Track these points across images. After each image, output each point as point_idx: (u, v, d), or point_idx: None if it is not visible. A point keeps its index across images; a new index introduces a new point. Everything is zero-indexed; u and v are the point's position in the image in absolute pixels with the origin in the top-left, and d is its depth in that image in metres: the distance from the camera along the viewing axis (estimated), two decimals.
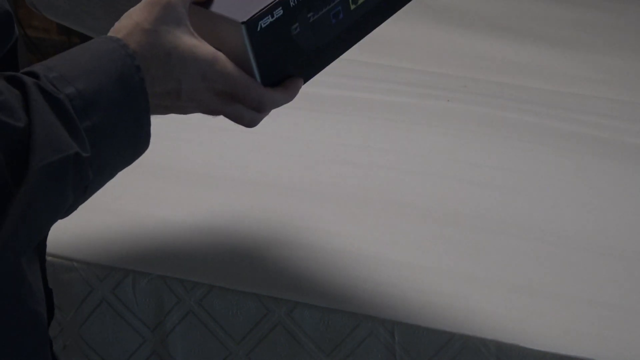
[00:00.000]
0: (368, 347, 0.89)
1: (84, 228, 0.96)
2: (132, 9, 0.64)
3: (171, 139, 1.12)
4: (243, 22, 0.64)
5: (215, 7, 0.66)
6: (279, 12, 0.65)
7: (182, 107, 0.67)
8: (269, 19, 0.65)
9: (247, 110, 0.67)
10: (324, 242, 0.97)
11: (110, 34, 0.63)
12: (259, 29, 0.65)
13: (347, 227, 1.00)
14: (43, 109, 0.55)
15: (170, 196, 1.04)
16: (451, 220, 1.02)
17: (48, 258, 0.83)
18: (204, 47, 0.64)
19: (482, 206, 1.04)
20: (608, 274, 0.95)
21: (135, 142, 0.62)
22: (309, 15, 0.68)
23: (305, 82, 0.71)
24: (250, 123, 0.68)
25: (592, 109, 1.26)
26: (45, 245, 0.69)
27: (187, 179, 1.07)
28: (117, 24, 0.64)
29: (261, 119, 0.69)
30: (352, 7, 0.71)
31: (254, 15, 0.64)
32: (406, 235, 0.99)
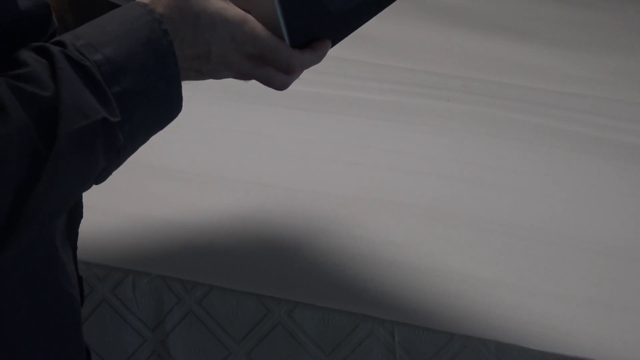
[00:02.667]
0: (368, 347, 0.89)
1: (84, 228, 0.96)
2: None
3: (171, 139, 1.12)
4: None
5: None
6: None
7: (213, 71, 0.67)
8: None
9: (277, 73, 0.68)
10: (324, 242, 0.97)
11: None
12: None
13: (346, 227, 1.00)
14: (70, 77, 0.56)
15: (170, 196, 1.04)
16: (451, 220, 1.02)
17: None
18: (232, 9, 0.65)
19: (481, 206, 1.04)
20: (608, 274, 0.95)
21: (166, 106, 0.63)
22: None
23: (333, 45, 0.71)
24: (281, 86, 0.69)
25: (591, 109, 1.26)
26: (77, 233, 0.70)
27: (187, 179, 1.07)
28: None
29: (291, 81, 0.69)
30: None
31: None
32: (406, 235, 0.99)
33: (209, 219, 1.00)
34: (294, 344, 0.91)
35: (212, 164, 1.11)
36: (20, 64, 0.55)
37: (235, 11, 0.64)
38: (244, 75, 0.68)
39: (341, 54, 1.37)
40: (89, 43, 0.58)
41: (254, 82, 0.69)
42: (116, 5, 0.69)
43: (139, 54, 0.59)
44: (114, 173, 0.62)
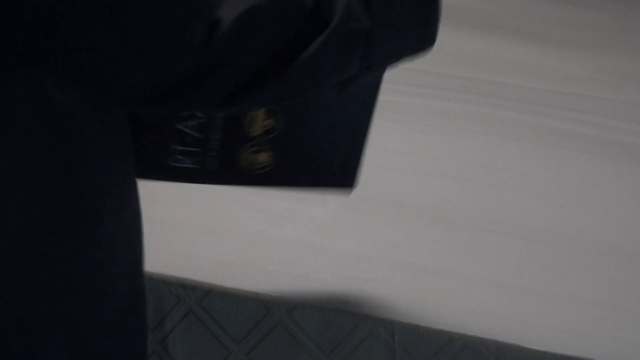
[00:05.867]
0: (368, 347, 0.89)
1: None
2: None
3: None
4: None
5: None
6: None
7: None
8: None
9: None
10: (324, 242, 0.97)
11: None
12: None
13: (346, 227, 1.00)
14: None
15: (170, 196, 1.04)
16: (451, 220, 1.02)
17: None
18: None
19: (482, 206, 1.04)
20: (608, 274, 0.95)
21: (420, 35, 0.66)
22: None
23: None
24: None
25: (592, 109, 1.26)
26: None
27: None
28: None
29: None
30: None
31: None
32: (406, 235, 0.99)
33: (209, 219, 1.00)
34: (294, 344, 0.90)
35: None
36: None
37: None
38: None
39: None
40: None
41: None
42: None
43: None
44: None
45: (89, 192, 0.61)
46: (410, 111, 1.23)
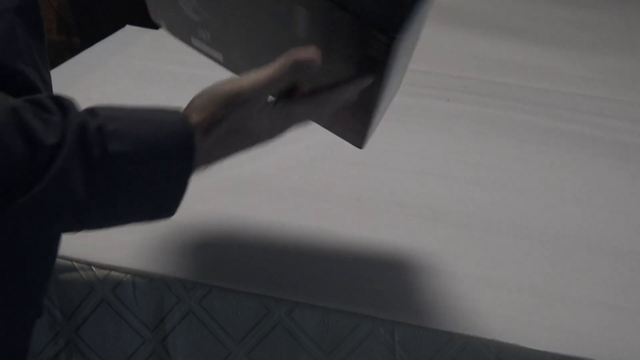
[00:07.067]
0: (368, 347, 0.89)
1: None
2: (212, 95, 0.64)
3: None
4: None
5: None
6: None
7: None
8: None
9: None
10: (324, 242, 0.97)
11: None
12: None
13: (346, 227, 1.00)
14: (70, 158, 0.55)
15: None
16: (451, 220, 1.02)
17: None
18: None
19: (481, 206, 1.04)
20: (608, 274, 0.95)
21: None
22: None
23: None
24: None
25: (592, 109, 1.26)
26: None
27: None
28: (193, 100, 0.65)
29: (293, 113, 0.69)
30: None
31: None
32: (406, 235, 0.99)
33: (209, 219, 1.00)
34: (294, 344, 0.91)
35: None
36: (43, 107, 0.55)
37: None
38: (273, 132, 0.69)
39: None
40: (116, 132, 0.57)
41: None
42: None
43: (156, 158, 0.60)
44: None
45: None
46: (410, 111, 1.23)
